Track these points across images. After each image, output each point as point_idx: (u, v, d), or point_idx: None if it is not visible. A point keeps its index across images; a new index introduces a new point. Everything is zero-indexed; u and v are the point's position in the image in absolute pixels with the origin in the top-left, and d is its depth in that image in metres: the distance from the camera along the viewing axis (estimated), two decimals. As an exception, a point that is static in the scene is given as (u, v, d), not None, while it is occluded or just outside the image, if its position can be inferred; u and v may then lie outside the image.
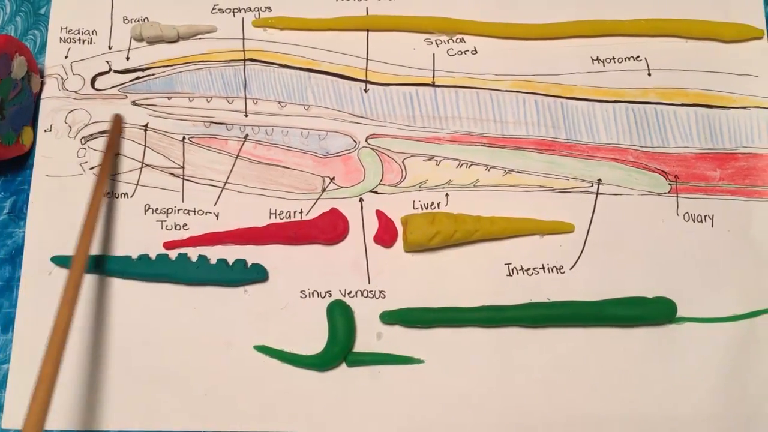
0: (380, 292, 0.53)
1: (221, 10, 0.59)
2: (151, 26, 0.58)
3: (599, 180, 0.55)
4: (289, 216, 0.55)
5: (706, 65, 0.57)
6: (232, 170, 0.56)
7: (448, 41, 0.58)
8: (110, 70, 0.59)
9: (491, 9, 0.58)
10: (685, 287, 0.53)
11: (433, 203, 0.55)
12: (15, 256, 0.55)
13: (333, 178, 0.56)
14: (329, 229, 0.54)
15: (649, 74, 0.57)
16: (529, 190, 0.55)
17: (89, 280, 0.54)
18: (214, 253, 0.54)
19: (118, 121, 0.57)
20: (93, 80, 0.58)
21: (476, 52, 0.58)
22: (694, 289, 0.53)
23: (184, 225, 0.55)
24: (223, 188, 0.56)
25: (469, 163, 0.56)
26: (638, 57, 0.57)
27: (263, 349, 0.53)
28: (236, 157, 0.57)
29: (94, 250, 0.55)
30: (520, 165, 0.55)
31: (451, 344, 0.52)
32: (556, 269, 0.54)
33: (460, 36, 0.58)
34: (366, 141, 0.56)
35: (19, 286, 0.55)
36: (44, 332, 0.53)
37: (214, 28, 0.59)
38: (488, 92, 0.57)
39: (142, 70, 0.58)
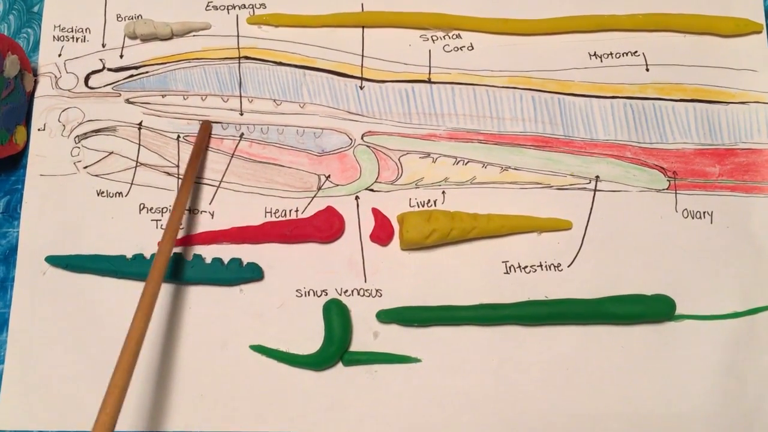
0: (377, 290, 0.53)
1: (215, 7, 0.59)
2: (145, 24, 0.58)
3: (597, 177, 0.55)
4: (285, 214, 0.55)
5: (704, 60, 0.56)
6: (227, 169, 0.56)
7: (444, 37, 0.57)
8: (104, 68, 0.58)
9: (487, 5, 0.58)
10: (684, 284, 0.52)
11: (429, 201, 0.55)
12: (9, 256, 0.55)
13: (329, 176, 0.55)
14: (325, 227, 0.54)
15: (647, 69, 0.56)
16: (526, 187, 0.55)
17: (83, 280, 0.54)
18: (210, 252, 0.54)
19: (205, 128, 0.56)
20: (87, 78, 0.58)
21: (472, 48, 0.57)
22: (693, 287, 0.52)
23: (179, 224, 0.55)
24: (218, 187, 0.56)
25: (466, 161, 0.55)
26: (636, 52, 0.57)
27: (259, 349, 0.52)
28: (231, 156, 0.56)
29: (90, 250, 0.54)
30: (517, 162, 0.55)
31: (448, 343, 0.52)
32: (554, 267, 0.53)
33: (456, 32, 0.57)
34: (362, 138, 0.56)
35: (14, 287, 0.54)
36: (39, 332, 0.54)
37: (208, 25, 0.58)
38: (485, 88, 0.56)
39: (136, 67, 0.58)
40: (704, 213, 0.54)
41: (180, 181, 0.56)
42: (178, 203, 0.51)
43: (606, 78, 0.56)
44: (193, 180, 0.53)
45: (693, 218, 0.54)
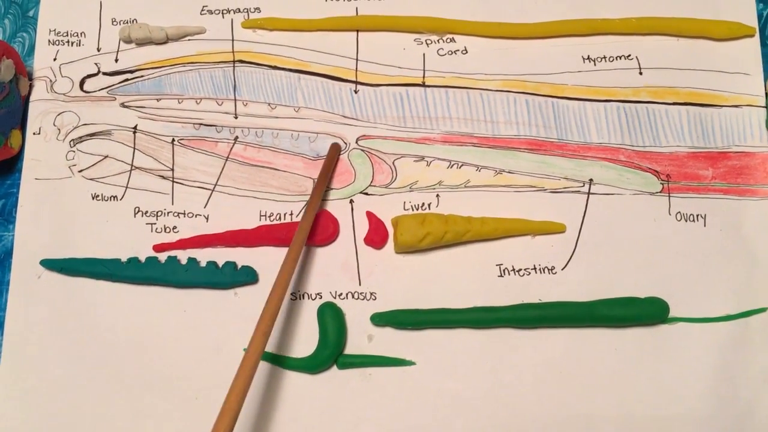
0: (371, 293, 0.53)
1: (210, 12, 0.59)
2: (140, 28, 0.58)
3: (591, 180, 0.55)
4: (280, 218, 0.55)
5: (697, 64, 0.56)
6: (221, 172, 0.56)
7: (438, 41, 0.58)
8: (99, 72, 0.58)
9: (481, 9, 0.58)
10: (678, 287, 0.53)
11: (423, 204, 0.55)
12: (4, 260, 0.55)
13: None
14: (319, 230, 0.54)
15: (641, 73, 0.56)
16: (520, 191, 0.55)
17: (78, 284, 0.54)
18: (204, 256, 0.54)
19: (335, 150, 0.55)
20: (82, 82, 0.58)
21: (466, 52, 0.57)
22: (686, 289, 0.53)
23: (174, 227, 0.55)
24: (212, 190, 0.56)
25: (460, 164, 0.55)
26: (629, 56, 0.57)
27: (253, 352, 0.52)
28: (226, 159, 0.56)
29: (85, 253, 0.55)
30: (511, 165, 0.55)
31: (443, 346, 0.52)
32: (548, 270, 0.53)
33: (450, 36, 0.58)
34: (356, 142, 0.56)
35: (8, 290, 0.54)
36: (33, 336, 0.54)
37: (203, 29, 0.59)
38: (479, 92, 0.56)
39: (131, 71, 0.58)
40: (697, 216, 0.54)
41: (171, 183, 0.56)
42: (304, 226, 0.50)
43: (599, 81, 0.56)
44: (317, 205, 0.52)
45: (686, 221, 0.54)
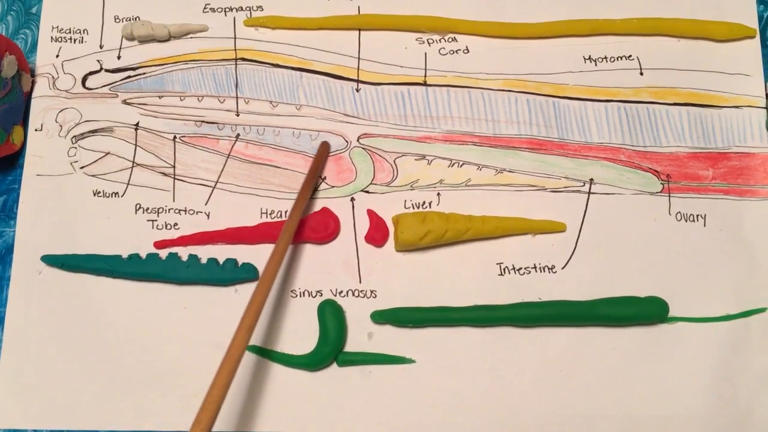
0: (371, 291, 0.53)
1: (213, 10, 0.59)
2: (143, 25, 0.58)
3: (591, 179, 0.55)
4: (280, 215, 0.55)
5: (698, 64, 0.57)
6: (223, 170, 0.56)
7: (440, 40, 0.58)
8: (101, 69, 0.58)
9: (483, 8, 0.58)
10: (678, 287, 0.53)
11: (424, 203, 0.55)
12: (5, 256, 0.55)
13: (324, 178, 0.56)
14: (320, 228, 0.54)
15: (642, 73, 0.57)
16: (520, 190, 0.55)
17: (79, 280, 0.54)
18: (205, 253, 0.54)
19: (324, 149, 0.55)
20: (84, 79, 0.58)
21: (468, 52, 0.58)
22: (686, 289, 0.53)
23: (175, 224, 0.55)
24: (214, 188, 0.56)
25: (461, 163, 0.55)
26: (630, 56, 0.57)
27: (254, 349, 0.52)
28: (227, 157, 0.56)
29: (86, 249, 0.55)
30: (511, 164, 0.55)
31: (443, 344, 0.52)
32: (548, 269, 0.53)
33: (452, 35, 0.58)
34: (357, 141, 0.56)
35: (9, 286, 0.54)
36: (34, 331, 0.54)
37: (205, 27, 0.59)
38: (480, 91, 0.57)
39: (133, 69, 0.58)
40: (697, 216, 0.54)
41: (173, 180, 0.56)
42: (290, 225, 0.50)
43: (600, 82, 0.57)
44: (304, 204, 0.52)
45: (686, 221, 0.54)
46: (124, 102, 0.58)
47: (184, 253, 0.54)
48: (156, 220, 0.55)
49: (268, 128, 0.57)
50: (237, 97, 0.57)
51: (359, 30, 0.58)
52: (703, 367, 0.51)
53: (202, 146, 0.57)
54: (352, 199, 0.55)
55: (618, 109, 0.56)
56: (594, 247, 0.54)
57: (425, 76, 0.57)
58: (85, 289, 0.54)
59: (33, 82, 0.58)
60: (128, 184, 0.56)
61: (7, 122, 0.55)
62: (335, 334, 0.51)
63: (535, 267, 0.53)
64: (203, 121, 0.57)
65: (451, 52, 0.58)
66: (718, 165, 0.55)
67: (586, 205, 0.54)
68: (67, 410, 0.52)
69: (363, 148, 0.56)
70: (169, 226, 0.55)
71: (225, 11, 0.59)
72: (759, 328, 0.52)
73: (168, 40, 0.59)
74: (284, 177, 0.56)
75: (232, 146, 0.57)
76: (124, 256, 0.54)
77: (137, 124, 0.57)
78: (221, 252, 0.54)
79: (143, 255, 0.54)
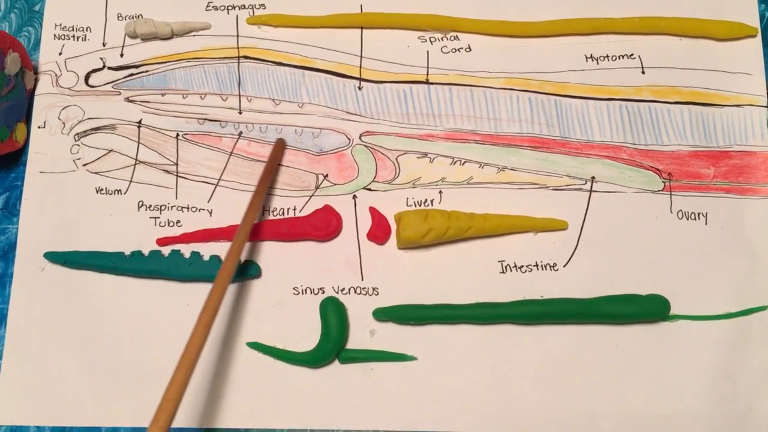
0: (373, 288, 0.53)
1: (215, 8, 0.59)
2: (145, 23, 0.58)
3: (593, 177, 0.55)
4: (283, 213, 0.55)
5: (699, 63, 0.57)
6: (225, 167, 0.56)
7: (442, 39, 0.58)
8: (104, 66, 0.59)
9: (485, 7, 0.58)
10: (679, 285, 0.53)
11: (426, 200, 0.55)
12: (8, 252, 0.55)
13: (326, 176, 0.56)
14: (322, 226, 0.54)
15: (643, 72, 0.57)
16: (522, 188, 0.55)
17: (81, 276, 0.54)
18: (207, 250, 0.54)
19: (280, 146, 0.56)
20: (87, 77, 0.58)
21: (470, 50, 0.58)
22: (687, 287, 0.53)
23: (178, 222, 0.55)
24: (216, 185, 0.56)
25: (463, 161, 0.56)
26: (632, 55, 0.57)
27: (256, 346, 0.52)
28: (230, 154, 0.57)
29: (89, 246, 0.55)
30: (513, 162, 0.55)
31: (444, 341, 0.52)
32: (550, 266, 0.53)
33: (454, 33, 0.58)
34: (360, 138, 0.56)
35: (12, 282, 0.55)
36: (37, 328, 0.54)
37: (208, 25, 0.59)
38: (482, 90, 0.57)
39: (136, 66, 0.59)
40: (699, 214, 0.54)
41: (175, 177, 0.56)
42: (248, 218, 0.51)
43: (602, 80, 0.57)
44: (263, 197, 0.53)
45: (688, 219, 0.54)
46: (127, 99, 0.58)
47: (186, 250, 0.54)
48: (159, 218, 0.55)
49: (270, 126, 0.57)
50: (240, 95, 0.58)
51: (362, 28, 0.58)
52: (704, 365, 0.52)
53: (205, 144, 0.57)
54: (354, 197, 0.55)
55: (620, 108, 0.56)
56: (595, 245, 0.54)
57: (427, 74, 0.57)
58: (88, 286, 0.54)
59: (36, 80, 0.58)
60: (131, 181, 0.56)
61: (10, 119, 0.55)
62: (337, 332, 0.51)
63: (536, 265, 0.54)
64: (206, 119, 0.57)
65: (453, 50, 0.58)
66: (719, 163, 0.55)
67: (588, 203, 0.55)
68: (69, 407, 0.52)
69: (365, 146, 0.56)
70: (171, 224, 0.55)
71: (228, 9, 0.59)
72: (760, 326, 0.52)
73: (171, 38, 0.59)
74: (286, 174, 0.56)
75: (235, 144, 0.57)
76: (127, 253, 0.54)
77: (140, 122, 0.57)
78: (223, 249, 0.54)
79: (146, 252, 0.54)
